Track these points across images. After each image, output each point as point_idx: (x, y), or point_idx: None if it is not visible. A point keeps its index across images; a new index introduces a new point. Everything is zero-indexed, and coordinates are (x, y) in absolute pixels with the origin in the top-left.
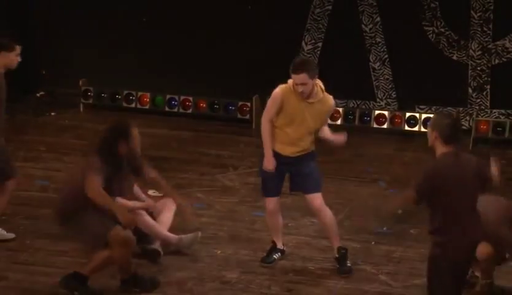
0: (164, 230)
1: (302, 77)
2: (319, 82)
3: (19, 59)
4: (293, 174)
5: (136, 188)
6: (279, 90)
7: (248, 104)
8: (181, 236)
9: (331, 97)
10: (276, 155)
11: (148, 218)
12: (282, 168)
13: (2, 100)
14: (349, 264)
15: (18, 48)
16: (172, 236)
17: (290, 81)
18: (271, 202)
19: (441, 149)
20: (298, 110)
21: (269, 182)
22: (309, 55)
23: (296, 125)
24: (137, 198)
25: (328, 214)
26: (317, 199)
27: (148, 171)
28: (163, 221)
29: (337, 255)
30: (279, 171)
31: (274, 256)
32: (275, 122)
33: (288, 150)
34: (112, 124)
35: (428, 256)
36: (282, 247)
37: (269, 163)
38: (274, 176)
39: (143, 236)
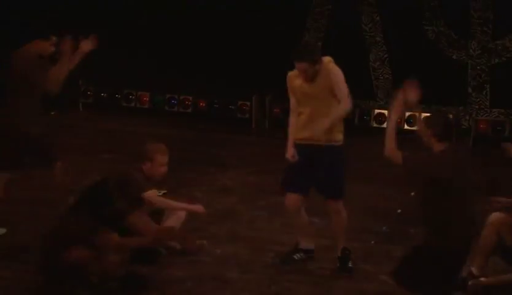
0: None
1: (301, 65)
2: (326, 59)
3: (53, 48)
4: (316, 172)
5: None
6: (287, 77)
7: (248, 103)
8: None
9: (332, 67)
10: (297, 146)
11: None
12: (304, 161)
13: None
14: (350, 265)
15: (54, 39)
16: (173, 244)
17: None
18: (289, 198)
19: (437, 147)
20: (302, 92)
21: (288, 172)
22: None
23: (305, 104)
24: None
25: (343, 215)
26: (335, 204)
27: None
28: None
29: (340, 255)
30: (300, 164)
31: (294, 256)
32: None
33: (304, 134)
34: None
35: (422, 245)
36: (307, 247)
37: (288, 152)
38: (294, 168)
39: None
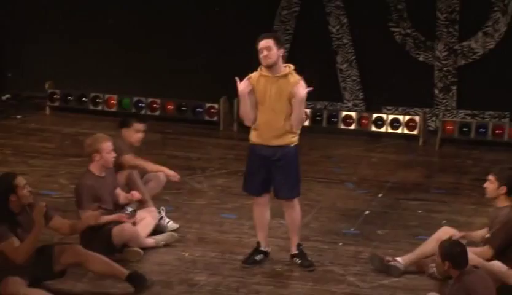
0: (143, 237)
1: (267, 41)
2: (291, 65)
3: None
4: (273, 176)
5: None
6: (251, 74)
7: (216, 106)
8: (156, 238)
9: (298, 78)
10: (255, 149)
11: (135, 229)
12: (264, 164)
13: None
14: (309, 258)
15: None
16: (149, 241)
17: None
18: (258, 200)
19: (455, 274)
20: (262, 90)
21: (249, 176)
22: None
23: (263, 107)
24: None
25: (297, 210)
26: (289, 203)
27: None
28: (143, 229)
29: (296, 252)
30: (259, 168)
31: (256, 257)
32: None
33: (261, 138)
34: None
35: None
36: (265, 249)
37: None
38: (255, 171)
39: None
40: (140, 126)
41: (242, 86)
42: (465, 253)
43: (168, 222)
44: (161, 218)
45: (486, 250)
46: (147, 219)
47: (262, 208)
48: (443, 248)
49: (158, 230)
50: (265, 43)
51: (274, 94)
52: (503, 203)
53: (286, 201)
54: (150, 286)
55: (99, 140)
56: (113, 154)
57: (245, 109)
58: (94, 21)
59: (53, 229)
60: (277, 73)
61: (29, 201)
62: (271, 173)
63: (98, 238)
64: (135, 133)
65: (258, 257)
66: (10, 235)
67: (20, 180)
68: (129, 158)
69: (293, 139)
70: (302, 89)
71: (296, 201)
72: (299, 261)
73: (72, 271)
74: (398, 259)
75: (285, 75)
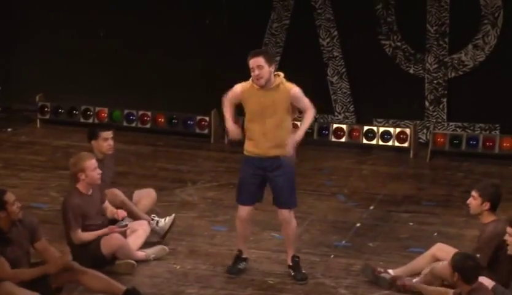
0: (133, 250)
1: (258, 59)
2: (280, 74)
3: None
4: (271, 185)
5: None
6: (238, 85)
7: (207, 118)
8: (147, 252)
9: (292, 86)
10: (250, 160)
11: (123, 240)
12: (259, 174)
13: None
14: (303, 271)
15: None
16: (140, 254)
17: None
18: (243, 210)
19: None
20: (256, 102)
21: (243, 186)
22: None
23: (258, 119)
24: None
25: (293, 225)
26: (286, 213)
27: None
28: (133, 242)
29: (291, 264)
30: (255, 177)
31: (239, 266)
32: (245, 125)
33: (258, 148)
34: None
35: None
36: (247, 256)
37: (232, 132)
38: (249, 181)
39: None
40: (107, 133)
41: (235, 134)
42: (477, 269)
43: (165, 219)
44: (157, 223)
45: None
46: (138, 231)
47: (247, 219)
48: (456, 260)
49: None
50: (256, 61)
51: (270, 107)
52: (487, 218)
53: (283, 213)
54: None
55: (83, 158)
56: (99, 171)
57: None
58: (85, 34)
59: (35, 249)
60: (270, 86)
61: (19, 217)
62: (265, 183)
63: (87, 249)
64: (104, 141)
65: (242, 265)
66: None
67: (9, 197)
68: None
69: (288, 151)
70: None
71: (292, 213)
72: (293, 273)
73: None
74: (389, 271)
75: (277, 86)
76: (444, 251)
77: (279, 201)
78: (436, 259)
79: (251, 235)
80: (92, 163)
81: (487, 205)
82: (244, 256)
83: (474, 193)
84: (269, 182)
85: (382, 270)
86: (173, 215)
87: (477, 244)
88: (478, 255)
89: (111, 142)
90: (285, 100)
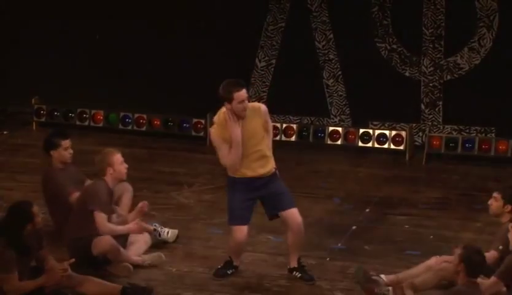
0: (131, 255)
1: (245, 91)
2: None
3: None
4: (265, 198)
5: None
6: (214, 130)
7: (203, 121)
8: (143, 257)
9: (256, 103)
10: (243, 181)
11: (114, 242)
12: (252, 194)
13: None
14: (309, 272)
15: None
16: (135, 259)
17: (220, 111)
18: (240, 231)
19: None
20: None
21: (236, 210)
22: (262, 72)
23: (244, 146)
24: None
25: (302, 228)
26: (296, 214)
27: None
28: (134, 249)
29: (297, 266)
30: (248, 198)
31: (228, 271)
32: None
33: (250, 167)
34: (13, 210)
35: None
36: (237, 264)
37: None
38: (242, 204)
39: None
40: (67, 142)
41: (237, 132)
42: (483, 263)
43: (167, 232)
44: (159, 234)
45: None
46: (139, 242)
47: (244, 237)
48: (465, 251)
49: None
50: (244, 94)
51: (254, 129)
52: (505, 218)
53: (294, 213)
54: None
55: (109, 154)
56: (125, 165)
57: (239, 152)
58: (80, 37)
59: (36, 257)
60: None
61: (40, 226)
62: (256, 200)
63: (78, 248)
64: (65, 150)
65: (230, 271)
66: (14, 270)
67: (36, 209)
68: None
69: (273, 164)
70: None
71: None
72: (299, 275)
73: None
74: (382, 276)
75: (250, 111)
76: (439, 263)
77: (285, 203)
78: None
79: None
80: (118, 157)
81: (508, 208)
82: (235, 264)
83: (496, 194)
84: (266, 199)
85: (374, 273)
86: (176, 231)
87: (503, 268)
88: (500, 246)
89: (71, 150)
90: (261, 118)
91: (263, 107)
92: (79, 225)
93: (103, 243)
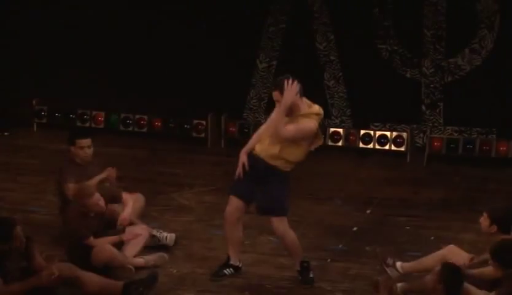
0: (130, 257)
1: (276, 94)
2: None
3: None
4: (258, 191)
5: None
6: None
7: (204, 122)
8: (146, 258)
9: (316, 109)
10: (252, 157)
11: (114, 251)
12: (252, 174)
13: None
14: (311, 275)
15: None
16: (138, 261)
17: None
18: (232, 202)
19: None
20: None
21: (237, 180)
22: (263, 73)
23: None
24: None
25: (289, 237)
26: (275, 221)
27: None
28: (130, 249)
29: (299, 268)
30: (250, 174)
31: (225, 271)
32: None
33: (258, 147)
34: None
35: None
36: (236, 264)
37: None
38: (244, 176)
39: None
40: (83, 142)
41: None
42: (462, 283)
43: (166, 237)
44: (158, 240)
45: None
46: (137, 238)
47: (235, 211)
48: (444, 270)
49: (158, 245)
50: (275, 96)
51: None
52: (495, 238)
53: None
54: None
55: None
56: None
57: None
58: (81, 38)
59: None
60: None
61: (20, 248)
62: (254, 184)
63: (77, 258)
64: (80, 149)
65: (228, 271)
66: None
67: (18, 230)
68: (71, 188)
69: (285, 165)
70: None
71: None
72: (300, 278)
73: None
74: (398, 264)
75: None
76: (455, 253)
77: (260, 206)
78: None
79: (246, 239)
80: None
81: (494, 228)
82: (231, 262)
83: (484, 214)
84: (259, 189)
85: (391, 262)
86: (174, 235)
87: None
88: None
89: (88, 151)
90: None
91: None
92: (73, 228)
93: (102, 253)
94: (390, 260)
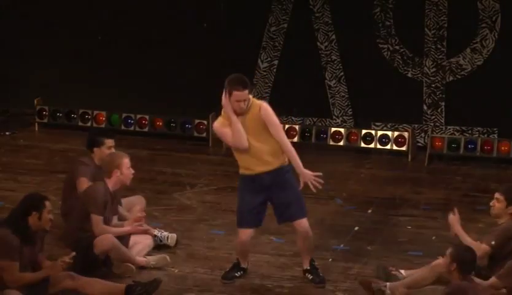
0: (134, 256)
1: (245, 93)
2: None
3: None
4: (275, 204)
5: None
6: (217, 122)
7: (205, 122)
8: (148, 258)
9: (258, 102)
10: (249, 179)
11: (117, 241)
12: (261, 196)
13: None
14: (321, 274)
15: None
16: (140, 260)
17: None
18: (244, 233)
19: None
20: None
21: (246, 212)
22: (265, 73)
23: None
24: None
25: (310, 234)
26: (302, 223)
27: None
28: (137, 249)
29: (309, 267)
30: (258, 202)
31: (236, 274)
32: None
33: (256, 170)
34: (26, 196)
35: None
36: (245, 266)
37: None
38: (251, 207)
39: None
40: (110, 141)
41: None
42: (474, 260)
43: (167, 237)
44: (160, 240)
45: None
46: (141, 244)
47: (249, 239)
48: (455, 250)
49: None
50: (243, 95)
51: (253, 128)
52: (504, 219)
53: (298, 224)
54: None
55: (119, 156)
56: (132, 171)
57: (238, 127)
58: (82, 38)
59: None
60: (246, 112)
61: (47, 228)
62: (266, 203)
63: (80, 249)
64: (108, 149)
65: (238, 273)
66: (16, 258)
67: (49, 204)
68: (83, 182)
69: (284, 157)
70: (267, 112)
71: (306, 221)
72: (311, 277)
73: None
74: (402, 271)
75: (249, 109)
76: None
77: (293, 214)
78: None
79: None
80: (127, 161)
81: (511, 209)
82: (242, 266)
83: (498, 195)
84: (275, 205)
85: (393, 269)
86: (175, 235)
87: (494, 232)
88: (493, 241)
89: (114, 150)
90: (260, 117)
91: (262, 108)
92: (79, 227)
93: (104, 241)
94: (392, 268)
